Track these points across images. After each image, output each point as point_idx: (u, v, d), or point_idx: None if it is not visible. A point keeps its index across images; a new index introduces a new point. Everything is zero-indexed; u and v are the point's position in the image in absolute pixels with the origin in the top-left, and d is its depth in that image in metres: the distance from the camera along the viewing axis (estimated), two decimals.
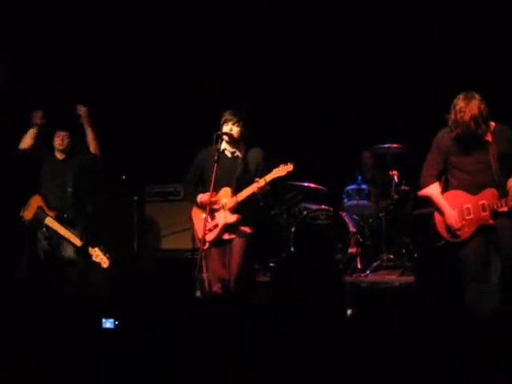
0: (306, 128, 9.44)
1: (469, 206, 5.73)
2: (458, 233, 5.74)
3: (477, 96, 5.63)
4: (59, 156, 7.36)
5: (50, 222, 7.10)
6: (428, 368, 3.18)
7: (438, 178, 5.91)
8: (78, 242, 7.06)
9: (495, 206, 5.64)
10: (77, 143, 7.43)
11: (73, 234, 7.10)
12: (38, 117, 7.26)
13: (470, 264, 5.68)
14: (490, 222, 5.67)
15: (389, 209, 8.87)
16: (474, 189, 5.74)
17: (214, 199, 6.24)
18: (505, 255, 5.66)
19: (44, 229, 7.12)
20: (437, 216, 5.91)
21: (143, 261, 9.09)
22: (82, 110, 7.34)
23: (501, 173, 5.69)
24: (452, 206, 5.78)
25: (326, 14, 9.26)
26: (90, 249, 6.99)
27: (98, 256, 6.95)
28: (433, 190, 5.91)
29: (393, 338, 3.42)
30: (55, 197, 7.24)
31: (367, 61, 9.26)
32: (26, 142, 7.26)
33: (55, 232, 7.10)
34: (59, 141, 7.31)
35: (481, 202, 5.70)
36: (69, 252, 7.18)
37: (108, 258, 6.94)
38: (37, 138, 7.27)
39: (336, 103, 9.38)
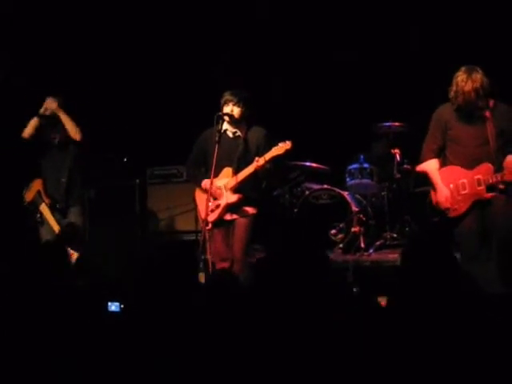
0: (308, 107, 9.41)
1: (464, 180, 5.76)
2: (454, 206, 5.76)
3: (479, 70, 5.66)
4: (55, 147, 7.35)
5: (43, 208, 7.15)
6: (429, 349, 3.18)
7: (437, 154, 5.94)
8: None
9: (490, 180, 5.66)
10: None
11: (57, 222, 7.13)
12: (47, 106, 7.25)
13: (465, 242, 5.72)
14: (486, 195, 5.69)
15: (391, 188, 8.85)
16: (469, 164, 5.77)
17: (214, 188, 6.24)
18: (497, 237, 5.70)
19: (38, 214, 7.16)
20: (432, 192, 5.96)
21: (146, 243, 9.11)
22: (52, 106, 7.27)
23: (497, 149, 5.70)
24: (447, 182, 5.83)
25: None
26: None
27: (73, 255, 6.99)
28: (429, 166, 5.95)
29: (395, 317, 3.42)
30: (51, 185, 7.25)
31: (368, 38, 9.22)
32: (27, 130, 7.27)
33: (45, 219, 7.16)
34: (52, 134, 7.30)
35: (476, 177, 5.73)
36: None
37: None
38: (38, 127, 7.25)
39: (338, 82, 9.35)
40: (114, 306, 4.20)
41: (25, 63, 9.00)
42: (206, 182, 6.33)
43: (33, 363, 3.55)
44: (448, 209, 5.81)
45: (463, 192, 5.77)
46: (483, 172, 5.71)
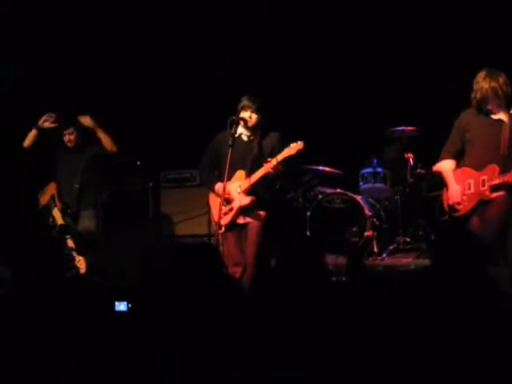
0: (322, 111, 9.40)
1: (471, 181, 5.82)
2: (457, 207, 5.80)
3: (503, 74, 5.71)
4: (71, 152, 7.37)
5: (55, 212, 7.18)
6: (441, 351, 3.18)
7: (454, 156, 6.01)
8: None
9: (494, 181, 5.68)
10: (89, 135, 7.43)
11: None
12: (45, 120, 7.27)
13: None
14: (490, 196, 5.71)
15: (404, 192, 8.84)
16: (480, 165, 5.85)
17: (227, 192, 6.25)
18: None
19: (50, 218, 7.20)
20: (444, 192, 6.05)
21: (159, 247, 9.13)
22: (86, 122, 7.30)
23: (509, 155, 5.72)
24: (457, 182, 5.87)
25: None
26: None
27: (80, 261, 7.00)
28: (444, 165, 6.05)
29: (408, 321, 3.42)
30: (65, 190, 7.28)
31: (383, 41, 9.20)
32: (26, 141, 7.30)
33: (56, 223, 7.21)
34: (67, 138, 7.32)
35: (482, 178, 5.77)
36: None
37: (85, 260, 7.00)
38: (37, 139, 7.27)
39: (351, 86, 9.33)
40: (122, 306, 4.22)
41: (39, 68, 9.05)
42: (219, 187, 6.33)
43: (39, 362, 3.57)
44: (455, 204, 5.85)
45: (468, 192, 5.87)
46: (489, 173, 5.76)
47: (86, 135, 7.33)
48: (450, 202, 5.92)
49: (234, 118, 6.30)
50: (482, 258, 3.78)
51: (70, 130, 7.31)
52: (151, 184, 9.09)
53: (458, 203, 5.86)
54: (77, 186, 7.25)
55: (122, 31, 9.41)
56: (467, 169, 5.90)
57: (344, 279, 7.57)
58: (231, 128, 6.30)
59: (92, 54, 9.41)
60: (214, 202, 6.45)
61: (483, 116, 5.83)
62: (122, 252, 8.69)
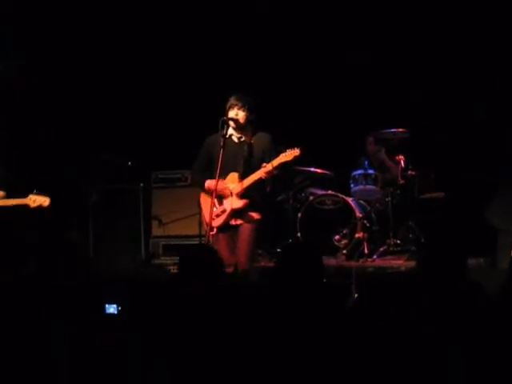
0: (313, 113, 9.41)
1: None
2: None
3: None
4: None
5: None
6: (431, 353, 3.19)
7: None
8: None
9: None
10: None
11: None
12: None
13: None
14: None
15: (395, 194, 8.85)
16: None
17: (221, 187, 6.24)
18: None
19: None
20: None
21: (149, 247, 9.13)
22: None
23: None
24: None
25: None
26: (25, 199, 6.96)
27: (36, 200, 6.93)
28: None
29: (398, 322, 3.43)
30: None
31: (374, 43, 9.21)
32: None
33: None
34: None
35: None
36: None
37: (46, 195, 6.92)
38: None
39: (343, 87, 9.35)
40: (111, 309, 4.22)
41: (30, 66, 9.04)
42: (209, 182, 6.33)
43: (30, 365, 3.56)
44: None
45: None
46: None
47: None
48: None
49: (224, 118, 6.30)
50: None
51: None
52: (142, 184, 9.10)
53: None
54: None
55: (110, 31, 9.40)
56: None
57: (335, 281, 7.60)
58: (222, 129, 6.30)
59: (83, 55, 9.39)
60: (206, 203, 6.44)
61: None
62: (112, 251, 8.74)
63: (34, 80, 9.02)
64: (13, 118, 8.25)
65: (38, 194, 6.78)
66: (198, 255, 4.10)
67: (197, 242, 8.43)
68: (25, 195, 6.75)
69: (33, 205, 6.82)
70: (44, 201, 6.85)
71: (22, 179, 7.40)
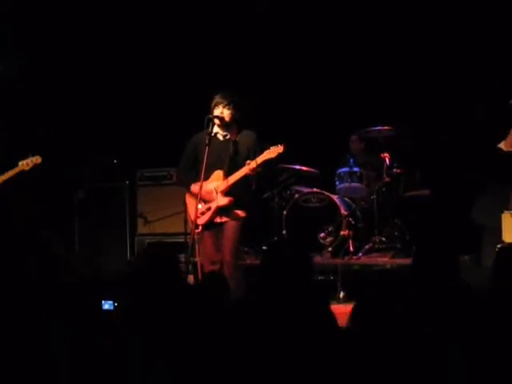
0: (298, 110, 9.42)
1: None
2: None
3: None
4: None
5: None
6: (421, 353, 3.20)
7: None
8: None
9: None
10: None
11: None
12: None
13: None
14: None
15: (381, 191, 8.87)
16: None
17: (205, 191, 6.24)
18: None
19: None
20: None
21: (135, 245, 9.11)
22: None
23: None
24: None
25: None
26: (18, 167, 7.05)
27: (28, 163, 7.02)
28: None
29: (385, 320, 3.43)
30: None
31: (359, 42, 9.23)
32: None
33: None
34: None
35: None
36: None
37: (35, 155, 7.01)
38: None
39: (328, 85, 9.36)
40: (107, 305, 4.22)
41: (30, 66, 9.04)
42: (194, 187, 6.33)
43: (26, 362, 3.55)
44: None
45: None
46: None
47: None
48: None
49: (209, 116, 6.29)
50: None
51: None
52: (127, 182, 9.09)
53: None
54: None
55: (99, 30, 9.39)
56: None
57: (320, 278, 7.62)
58: (208, 127, 6.30)
59: (71, 52, 9.38)
60: (191, 201, 6.45)
61: None
62: (98, 249, 8.73)
63: (33, 80, 9.00)
64: (13, 118, 8.26)
65: (26, 157, 6.98)
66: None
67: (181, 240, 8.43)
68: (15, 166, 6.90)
69: (27, 168, 6.98)
70: (36, 159, 6.99)
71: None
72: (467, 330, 3.30)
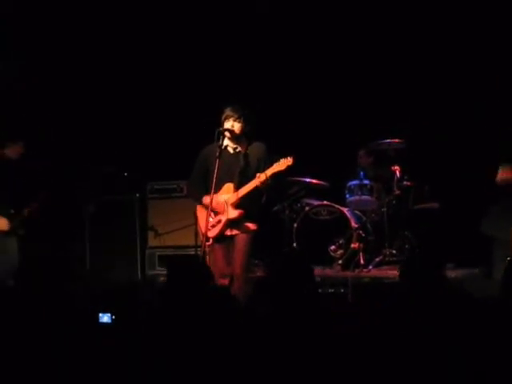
0: (309, 123, 9.42)
1: None
2: None
3: None
4: None
5: None
6: (423, 360, 3.21)
7: None
8: None
9: None
10: None
11: None
12: None
13: None
14: None
15: (391, 204, 8.86)
16: None
17: (216, 203, 6.24)
18: None
19: None
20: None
21: (146, 258, 9.12)
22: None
23: None
24: None
25: (322, 10, 9.27)
26: None
27: None
28: None
29: (394, 332, 3.44)
30: None
31: (367, 55, 9.24)
32: None
33: None
34: None
35: None
36: None
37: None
38: None
39: (339, 97, 9.37)
40: (105, 317, 4.22)
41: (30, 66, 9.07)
42: (206, 198, 6.33)
43: (23, 373, 3.56)
44: None
45: None
46: None
47: None
48: None
49: (220, 129, 6.31)
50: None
51: None
52: (138, 195, 9.11)
53: None
54: None
55: (108, 40, 9.42)
56: None
57: (330, 291, 7.60)
58: (218, 140, 6.31)
59: (80, 63, 9.42)
60: (202, 213, 6.44)
61: None
62: (108, 262, 8.74)
63: (33, 80, 9.04)
64: (13, 118, 8.28)
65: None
66: (186, 266, 4.11)
67: (192, 253, 8.43)
68: None
69: None
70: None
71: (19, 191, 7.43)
72: (476, 341, 3.30)
